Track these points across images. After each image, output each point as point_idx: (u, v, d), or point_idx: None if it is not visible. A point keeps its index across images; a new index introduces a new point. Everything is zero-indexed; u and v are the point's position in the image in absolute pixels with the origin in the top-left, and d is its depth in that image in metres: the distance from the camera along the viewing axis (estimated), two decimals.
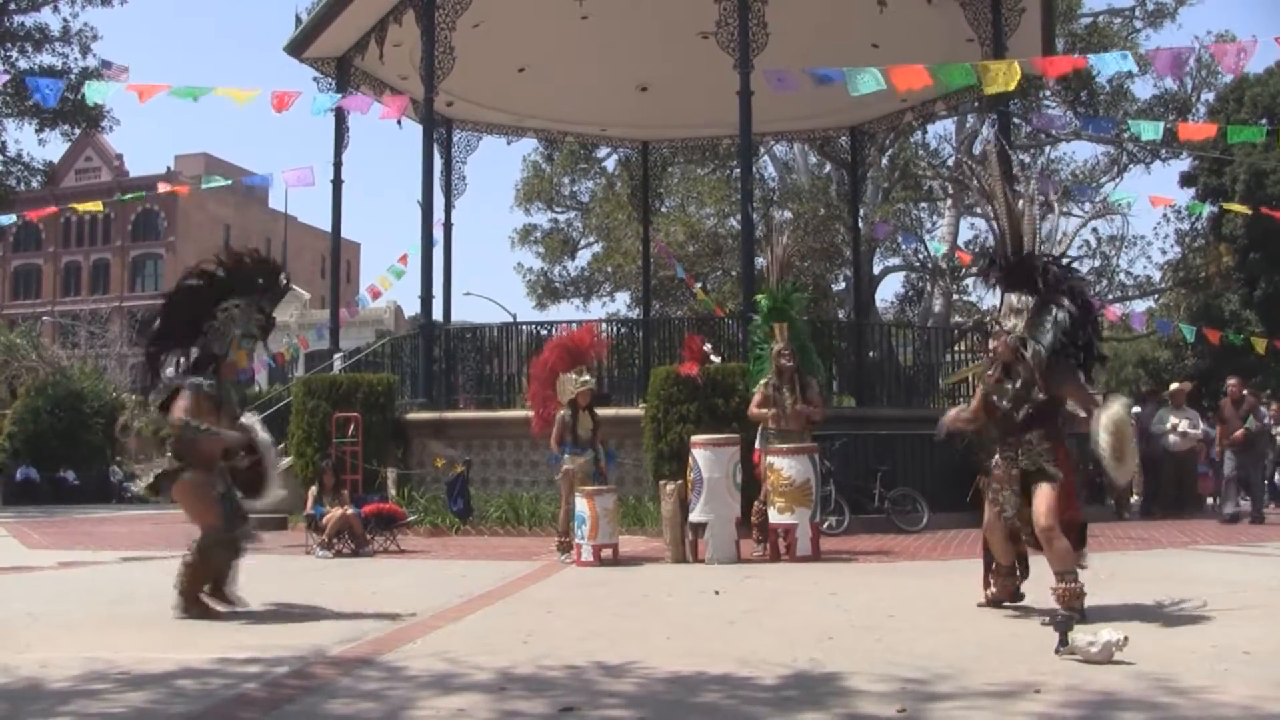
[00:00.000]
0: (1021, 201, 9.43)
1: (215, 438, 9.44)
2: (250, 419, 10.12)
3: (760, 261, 16.50)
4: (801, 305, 16.22)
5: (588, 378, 14.75)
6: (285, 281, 10.25)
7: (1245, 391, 20.66)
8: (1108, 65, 18.80)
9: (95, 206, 26.19)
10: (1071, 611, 8.03)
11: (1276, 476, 24.89)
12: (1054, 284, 8.99)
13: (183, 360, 9.75)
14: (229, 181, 26.49)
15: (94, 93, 20.74)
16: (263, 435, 10.08)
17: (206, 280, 9.93)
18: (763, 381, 14.56)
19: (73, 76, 38.19)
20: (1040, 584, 9.02)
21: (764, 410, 14.27)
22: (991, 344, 9.09)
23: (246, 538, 9.77)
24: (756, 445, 14.44)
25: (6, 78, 19.38)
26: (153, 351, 9.88)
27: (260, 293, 10.01)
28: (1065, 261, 9.55)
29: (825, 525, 15.21)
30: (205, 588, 9.53)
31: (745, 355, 18.60)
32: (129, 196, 29.39)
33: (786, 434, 14.11)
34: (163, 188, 39.55)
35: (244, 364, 9.90)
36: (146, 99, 18.67)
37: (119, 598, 9.74)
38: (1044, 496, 8.45)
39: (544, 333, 21.07)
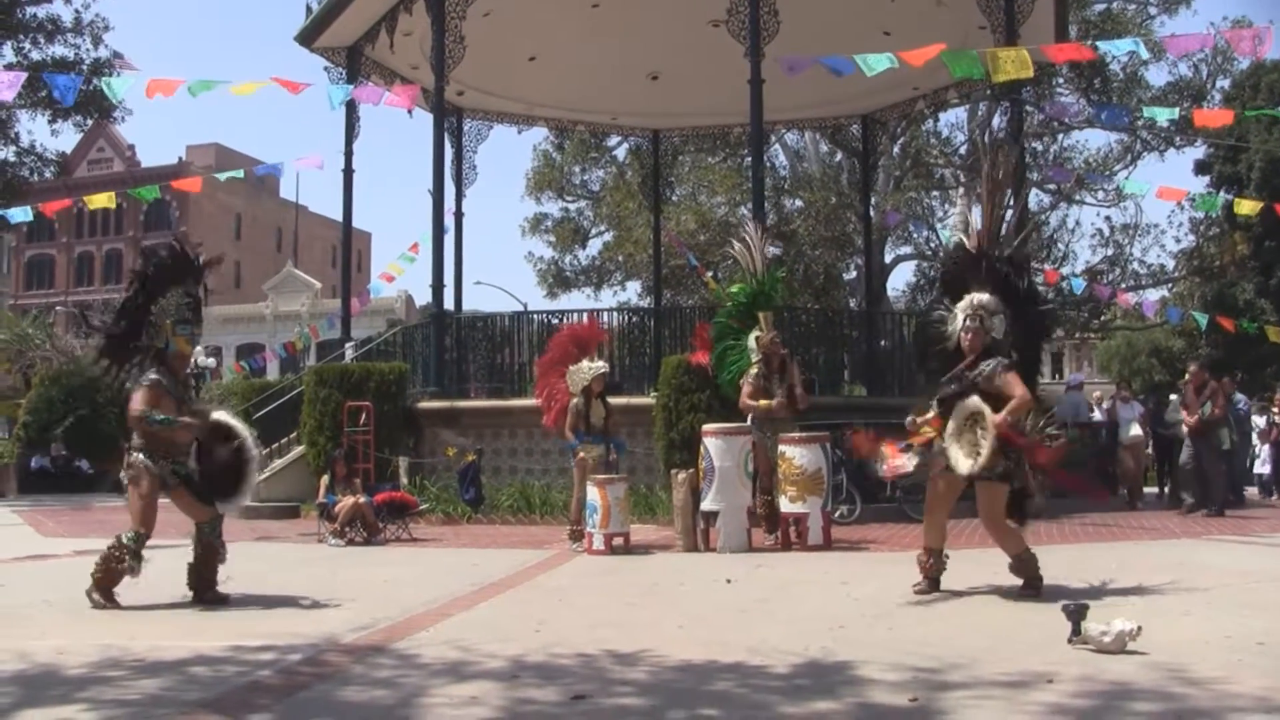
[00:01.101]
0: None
1: (176, 426, 9.53)
2: (226, 416, 10.17)
3: (751, 238, 16.49)
4: (782, 294, 16.24)
5: (601, 363, 14.77)
6: (199, 259, 10.31)
7: (1224, 378, 20.60)
8: (1118, 49, 18.67)
9: (108, 202, 26.10)
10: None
11: (1257, 465, 24.75)
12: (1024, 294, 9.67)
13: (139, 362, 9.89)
14: (240, 173, 26.43)
15: (114, 90, 20.72)
16: (240, 425, 10.11)
17: (140, 282, 10.06)
18: (752, 371, 14.56)
19: (84, 67, 38.24)
20: (1049, 574, 9.05)
21: (758, 401, 14.28)
22: (968, 339, 9.32)
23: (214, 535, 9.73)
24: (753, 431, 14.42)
25: (24, 76, 19.28)
26: (111, 357, 9.99)
27: (184, 279, 10.15)
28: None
29: (837, 514, 15.22)
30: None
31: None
32: (142, 191, 29.30)
33: (778, 423, 14.13)
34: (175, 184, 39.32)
35: (187, 350, 9.89)
36: (166, 95, 18.63)
37: (133, 585, 9.74)
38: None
39: (555, 321, 21.07)
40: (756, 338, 14.87)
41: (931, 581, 9.41)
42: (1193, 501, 18.79)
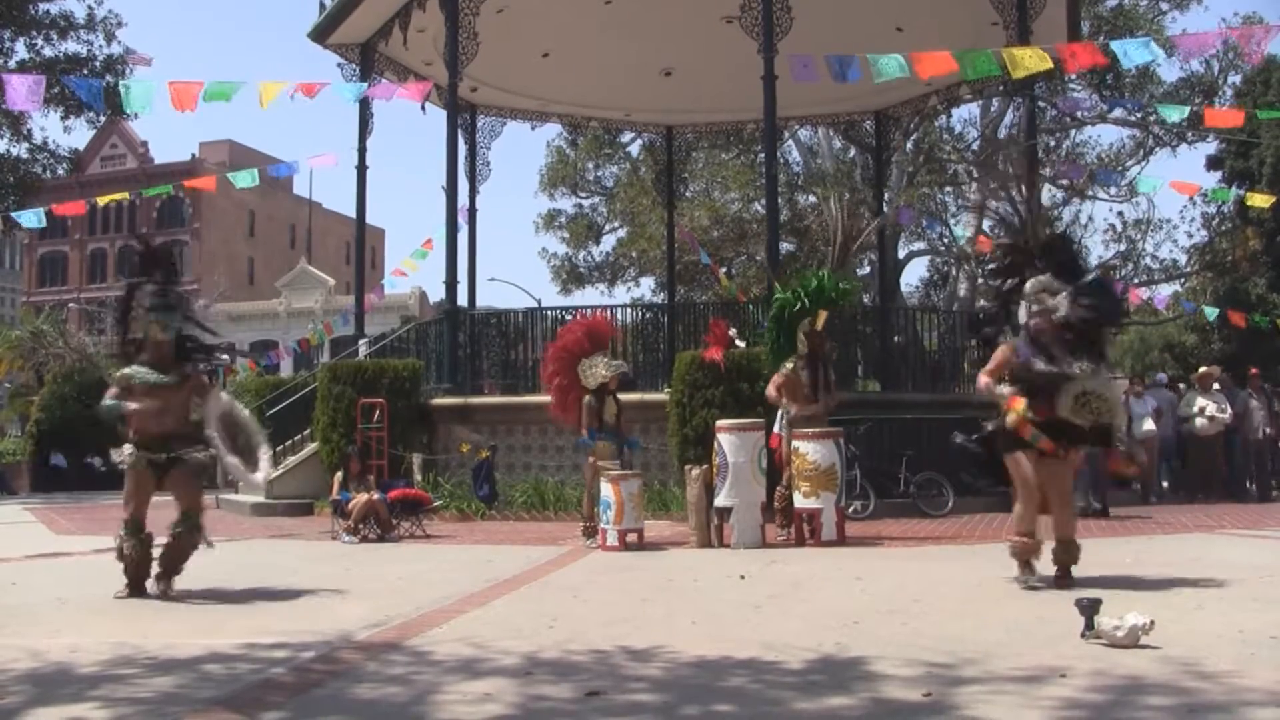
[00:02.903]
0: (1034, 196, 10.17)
1: (118, 411, 9.99)
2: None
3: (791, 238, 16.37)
4: (848, 297, 15.91)
5: (620, 361, 14.76)
6: (156, 250, 10.88)
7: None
8: (1131, 55, 18.54)
9: (121, 195, 26.15)
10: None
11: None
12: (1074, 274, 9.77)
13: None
14: (253, 175, 26.48)
15: (135, 100, 20.73)
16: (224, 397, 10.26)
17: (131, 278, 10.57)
18: (788, 366, 14.50)
19: (98, 64, 38.30)
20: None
21: (780, 399, 14.27)
22: (1037, 323, 9.60)
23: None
24: (775, 429, 14.39)
25: (43, 82, 19.33)
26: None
27: (150, 269, 10.56)
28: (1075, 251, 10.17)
29: (850, 510, 15.18)
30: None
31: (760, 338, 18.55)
32: (154, 190, 29.43)
33: (810, 419, 14.10)
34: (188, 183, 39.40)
35: (157, 336, 10.03)
36: (183, 107, 18.62)
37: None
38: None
39: (568, 317, 21.08)
40: (805, 330, 14.63)
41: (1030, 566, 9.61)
42: (1083, 505, 18.15)
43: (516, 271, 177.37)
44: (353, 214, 26.18)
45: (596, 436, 14.20)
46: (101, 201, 26.28)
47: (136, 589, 9.72)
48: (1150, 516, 17.49)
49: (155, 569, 9.75)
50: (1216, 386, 21.60)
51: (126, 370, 9.93)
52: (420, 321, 34.83)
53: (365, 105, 23.79)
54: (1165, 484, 22.51)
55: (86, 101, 25.54)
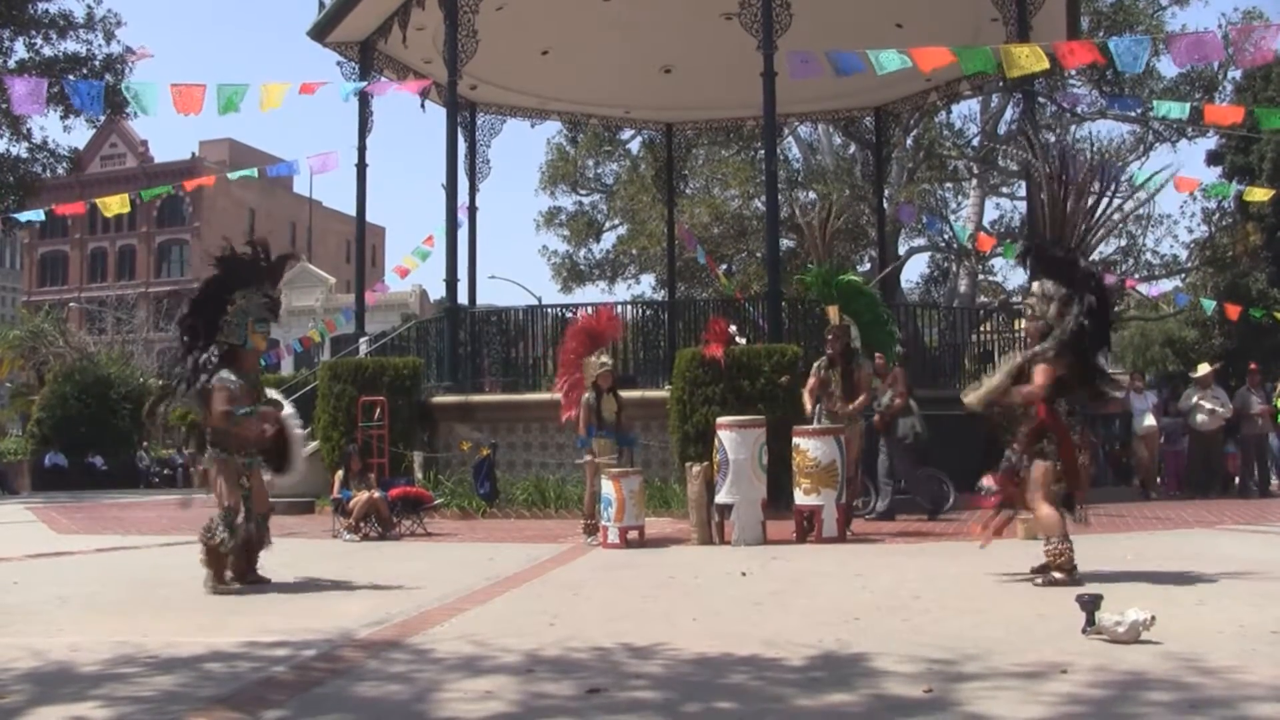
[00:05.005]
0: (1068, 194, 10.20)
1: (254, 417, 10.01)
2: (278, 395, 10.46)
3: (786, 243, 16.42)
4: (847, 285, 16.02)
5: (606, 360, 14.73)
6: (281, 259, 10.79)
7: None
8: (1125, 54, 18.52)
9: (121, 206, 26.07)
10: (1062, 572, 9.03)
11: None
12: (1084, 279, 9.77)
13: (206, 356, 10.16)
14: (253, 172, 26.50)
15: (140, 100, 20.74)
16: (289, 410, 10.43)
17: (221, 275, 10.47)
18: (816, 364, 14.57)
19: (97, 64, 38.30)
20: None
21: (806, 402, 14.31)
22: (1025, 326, 9.67)
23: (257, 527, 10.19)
24: (815, 425, 14.38)
25: (44, 84, 19.40)
26: (186, 342, 10.37)
27: (262, 277, 10.53)
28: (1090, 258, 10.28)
29: (858, 506, 15.20)
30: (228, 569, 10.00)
31: (768, 338, 18.66)
32: (154, 192, 29.50)
33: (836, 417, 14.13)
34: (189, 183, 39.35)
35: (263, 347, 10.32)
36: (187, 110, 18.65)
37: (148, 581, 9.80)
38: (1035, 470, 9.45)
39: (569, 315, 21.08)
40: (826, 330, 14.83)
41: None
42: (884, 507, 17.13)
43: (517, 269, 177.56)
44: (353, 212, 26.16)
45: (595, 434, 14.21)
46: (101, 203, 26.21)
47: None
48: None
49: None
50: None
51: (230, 377, 10.00)
52: (421, 319, 34.82)
53: (365, 103, 23.79)
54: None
55: (82, 107, 25.54)
